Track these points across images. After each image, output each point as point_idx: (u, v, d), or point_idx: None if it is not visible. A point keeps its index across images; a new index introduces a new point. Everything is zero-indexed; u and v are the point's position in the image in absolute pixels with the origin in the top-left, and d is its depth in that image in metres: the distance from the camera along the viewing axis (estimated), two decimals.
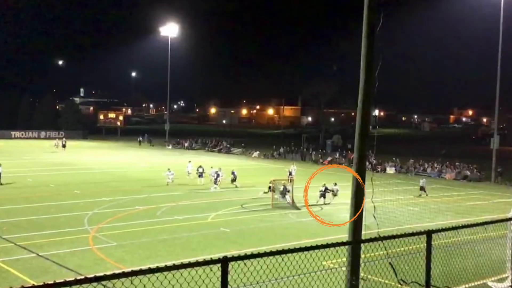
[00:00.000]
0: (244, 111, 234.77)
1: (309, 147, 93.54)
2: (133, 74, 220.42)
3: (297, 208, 40.41)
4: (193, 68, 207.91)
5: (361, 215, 13.28)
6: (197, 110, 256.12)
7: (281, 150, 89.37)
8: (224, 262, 6.13)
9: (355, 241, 12.57)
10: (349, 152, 78.97)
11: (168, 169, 51.19)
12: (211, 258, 6.22)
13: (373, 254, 12.50)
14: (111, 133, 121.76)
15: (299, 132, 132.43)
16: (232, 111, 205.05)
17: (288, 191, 41.66)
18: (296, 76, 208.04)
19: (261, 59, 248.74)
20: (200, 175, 51.36)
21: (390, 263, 12.11)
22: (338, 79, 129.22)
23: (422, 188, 50.01)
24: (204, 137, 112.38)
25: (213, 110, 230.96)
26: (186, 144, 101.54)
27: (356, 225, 13.33)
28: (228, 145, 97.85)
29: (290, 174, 54.62)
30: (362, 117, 13.54)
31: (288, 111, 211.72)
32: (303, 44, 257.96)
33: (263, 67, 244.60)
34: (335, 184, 45.31)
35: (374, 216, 14.12)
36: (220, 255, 6.36)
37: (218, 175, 49.26)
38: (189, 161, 55.88)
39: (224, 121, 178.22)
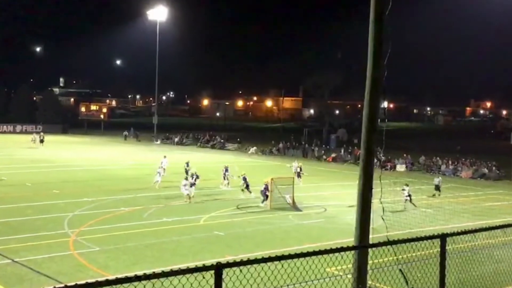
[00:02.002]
0: (240, 103, 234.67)
1: (311, 142, 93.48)
2: (118, 62, 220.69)
3: (299, 210, 40.56)
4: (184, 56, 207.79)
5: (368, 217, 13.28)
6: (188, 101, 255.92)
7: (280, 145, 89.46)
8: (218, 268, 6.14)
9: (362, 246, 12.59)
10: (356, 147, 79.10)
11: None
12: (204, 264, 6.21)
13: (382, 260, 12.54)
14: (93, 126, 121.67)
15: (300, 125, 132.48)
16: (227, 103, 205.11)
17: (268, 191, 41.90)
18: (297, 64, 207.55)
19: (259, 46, 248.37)
20: (187, 173, 51.41)
21: (400, 269, 12.11)
22: (343, 68, 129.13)
23: (437, 188, 50.10)
24: (196, 131, 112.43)
25: (205, 102, 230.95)
26: (176, 139, 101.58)
27: (363, 228, 13.32)
28: (222, 140, 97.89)
29: (301, 170, 54.61)
30: (370, 109, 13.53)
31: (288, 102, 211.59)
32: (304, 29, 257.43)
33: (261, 55, 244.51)
34: None
35: (382, 218, 14.12)
36: (214, 261, 6.35)
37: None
38: (164, 156, 55.65)
39: (218, 114, 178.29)
